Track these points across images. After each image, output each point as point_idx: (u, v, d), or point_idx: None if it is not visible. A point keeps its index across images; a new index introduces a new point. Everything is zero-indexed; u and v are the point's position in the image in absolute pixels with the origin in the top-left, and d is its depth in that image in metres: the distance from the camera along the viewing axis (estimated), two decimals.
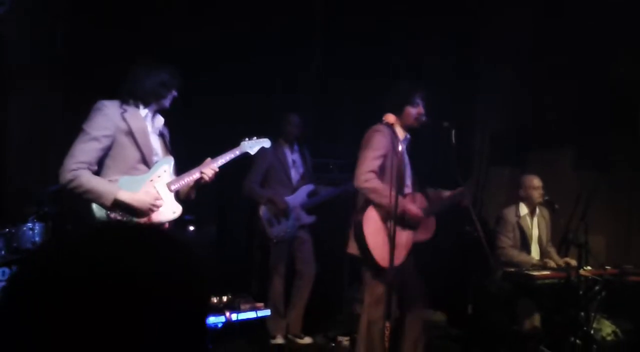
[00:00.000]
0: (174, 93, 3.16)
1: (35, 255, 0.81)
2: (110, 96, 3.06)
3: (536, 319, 4.76)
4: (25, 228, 4.36)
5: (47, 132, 4.96)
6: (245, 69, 5.57)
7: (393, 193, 3.49)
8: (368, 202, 3.60)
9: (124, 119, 3.00)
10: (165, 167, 3.14)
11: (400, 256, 3.61)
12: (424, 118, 3.76)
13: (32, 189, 4.62)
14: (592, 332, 4.56)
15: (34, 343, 0.71)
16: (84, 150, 2.91)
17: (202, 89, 5.31)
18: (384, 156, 3.62)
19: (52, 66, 5.01)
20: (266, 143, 3.58)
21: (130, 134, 3.00)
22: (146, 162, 3.07)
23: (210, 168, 3.20)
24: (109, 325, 0.72)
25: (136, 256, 0.78)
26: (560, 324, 4.52)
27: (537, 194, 4.91)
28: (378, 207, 3.56)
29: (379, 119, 3.71)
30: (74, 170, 2.87)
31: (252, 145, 3.48)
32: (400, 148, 3.67)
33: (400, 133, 3.77)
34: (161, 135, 3.24)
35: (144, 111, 3.11)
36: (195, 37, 5.33)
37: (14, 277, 0.77)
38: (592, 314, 4.56)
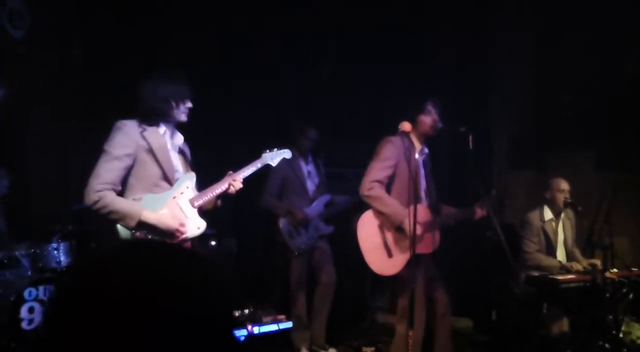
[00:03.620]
0: (188, 105, 3.14)
1: (69, 272, 0.86)
2: (127, 115, 3.10)
3: (564, 324, 4.68)
4: (50, 248, 4.43)
5: (67, 151, 5.04)
6: (259, 77, 5.61)
7: (410, 202, 3.52)
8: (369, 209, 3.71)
9: (144, 137, 3.01)
10: (187, 183, 3.15)
11: (397, 266, 3.64)
12: (439, 125, 3.77)
13: (55, 209, 4.69)
14: (621, 335, 4.48)
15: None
16: (108, 171, 2.93)
17: (215, 101, 5.35)
18: (394, 166, 3.69)
19: (70, 86, 5.09)
20: (287, 154, 3.59)
21: (150, 151, 3.02)
22: (168, 179, 3.08)
23: (238, 180, 3.22)
24: (132, 335, 0.75)
25: (165, 272, 0.82)
26: (588, 328, 4.44)
27: (562, 197, 4.85)
28: (378, 214, 3.67)
29: (394, 128, 3.73)
30: (99, 191, 2.88)
31: (274, 157, 3.49)
32: (416, 157, 3.69)
33: (417, 144, 3.80)
34: (181, 152, 3.25)
35: (162, 128, 3.12)
36: (209, 50, 5.39)
37: (58, 293, 0.82)
38: (621, 317, 4.48)
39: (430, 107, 3.77)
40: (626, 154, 5.36)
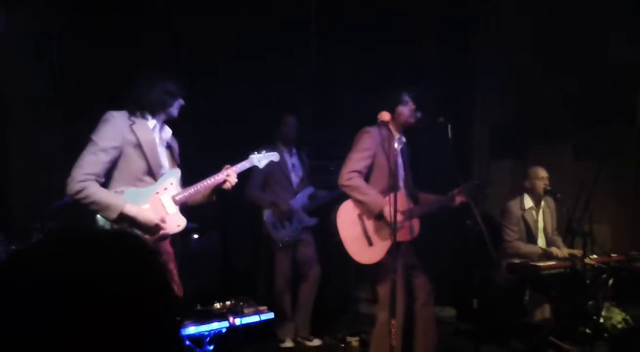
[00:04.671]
0: (181, 102, 3.17)
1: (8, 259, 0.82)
2: (111, 107, 3.08)
3: (546, 310, 4.74)
4: None
5: (49, 147, 5.00)
6: (241, 73, 5.59)
7: (389, 191, 3.55)
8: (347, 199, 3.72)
9: (133, 131, 3.00)
10: (171, 179, 3.13)
11: (378, 254, 3.65)
12: (418, 114, 3.77)
13: (36, 205, 4.65)
14: (602, 320, 4.54)
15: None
16: (92, 162, 2.91)
17: (199, 95, 5.33)
18: (372, 156, 3.71)
19: (50, 81, 5.04)
20: (275, 157, 3.60)
21: (138, 146, 3.00)
22: (152, 174, 3.07)
23: (232, 174, 3.24)
24: (75, 328, 0.73)
25: (100, 260, 0.79)
26: (570, 314, 4.49)
27: (541, 185, 4.90)
28: (357, 203, 3.68)
29: (375, 121, 3.74)
30: (82, 181, 2.86)
31: (261, 159, 3.49)
32: (395, 146, 3.70)
33: (394, 133, 3.80)
34: (169, 147, 3.24)
35: (152, 122, 3.11)
36: (191, 42, 5.37)
37: None
38: (601, 302, 4.54)
39: (407, 98, 3.77)
40: (606, 143, 5.42)
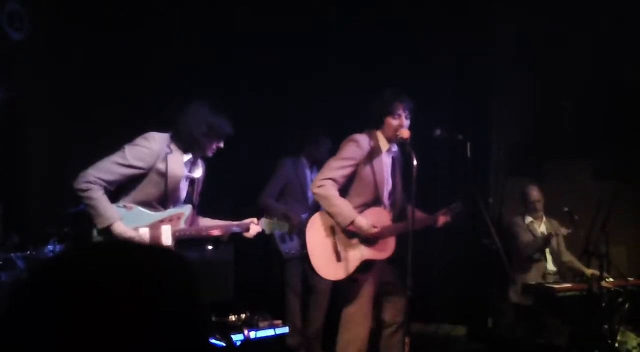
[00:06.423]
0: (220, 144, 3.18)
1: (47, 264, 0.84)
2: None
3: (560, 332, 4.69)
4: (46, 250, 4.41)
5: (66, 153, 5.03)
6: (262, 87, 5.61)
7: (373, 204, 3.51)
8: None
9: (165, 160, 3.05)
10: (179, 214, 3.15)
11: (344, 272, 3.43)
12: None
13: (53, 210, 4.68)
14: (617, 345, 4.49)
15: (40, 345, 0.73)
16: (111, 171, 2.98)
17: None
18: (354, 166, 3.47)
19: (69, 90, 5.08)
20: (284, 229, 3.44)
21: (164, 176, 3.06)
22: (164, 204, 3.12)
23: (254, 231, 3.25)
24: (111, 331, 0.74)
25: (140, 268, 0.81)
26: (584, 337, 4.44)
27: (533, 207, 4.93)
28: (327, 215, 3.44)
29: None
30: (91, 182, 2.93)
31: (273, 227, 3.37)
32: (382, 157, 3.57)
33: (385, 144, 3.58)
34: (192, 183, 3.27)
35: (187, 156, 3.16)
36: (209, 53, 5.40)
37: (28, 283, 0.80)
38: (616, 326, 4.49)
39: (400, 111, 3.51)
40: (625, 163, 5.37)
